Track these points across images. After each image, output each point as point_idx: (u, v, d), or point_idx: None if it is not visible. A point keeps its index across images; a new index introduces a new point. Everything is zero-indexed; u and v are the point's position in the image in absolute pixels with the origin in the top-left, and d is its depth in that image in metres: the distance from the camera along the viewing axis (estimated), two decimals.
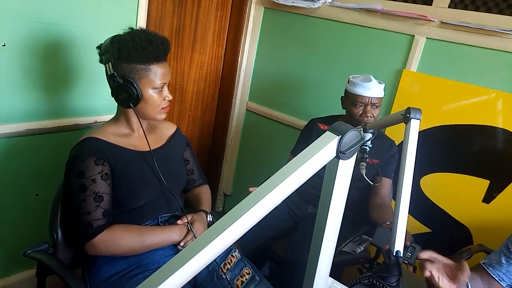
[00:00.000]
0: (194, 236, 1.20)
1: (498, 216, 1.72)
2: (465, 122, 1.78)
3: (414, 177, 1.90)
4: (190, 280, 1.23)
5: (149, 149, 1.22)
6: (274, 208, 0.63)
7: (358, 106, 1.68)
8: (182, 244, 1.21)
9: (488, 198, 1.76)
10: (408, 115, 1.10)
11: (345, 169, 0.60)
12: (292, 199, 1.90)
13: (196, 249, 0.51)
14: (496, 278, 1.10)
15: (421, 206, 1.93)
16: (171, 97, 1.23)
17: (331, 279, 0.96)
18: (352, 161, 0.61)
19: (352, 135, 0.58)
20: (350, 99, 1.71)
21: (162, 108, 1.22)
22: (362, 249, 1.68)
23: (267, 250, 1.88)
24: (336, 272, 1.18)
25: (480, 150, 1.77)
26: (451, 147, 1.84)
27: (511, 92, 1.66)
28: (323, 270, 0.69)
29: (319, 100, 2.23)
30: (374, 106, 1.67)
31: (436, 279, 1.00)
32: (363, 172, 1.41)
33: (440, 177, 1.87)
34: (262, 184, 0.55)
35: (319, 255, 0.67)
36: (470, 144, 1.79)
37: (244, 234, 1.89)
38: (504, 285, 1.10)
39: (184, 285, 1.22)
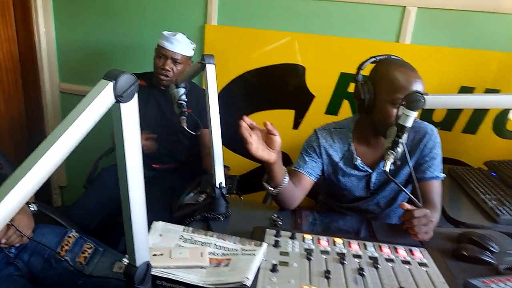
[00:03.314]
0: (17, 230, 1.11)
1: (304, 137, 2.06)
2: (270, 64, 2.02)
3: (237, 121, 2.11)
4: (25, 274, 1.15)
5: None
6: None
7: (160, 57, 1.76)
8: (3, 241, 1.11)
9: (296, 124, 2.08)
10: (203, 62, 1.20)
11: (129, 111, 0.65)
12: None
13: None
14: (305, 173, 1.35)
15: None
16: None
17: (162, 223, 1.02)
18: (133, 102, 0.65)
19: (125, 78, 0.62)
20: (156, 51, 1.78)
21: None
22: (204, 196, 1.81)
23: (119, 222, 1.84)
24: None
25: (284, 86, 2.05)
26: (262, 88, 2.07)
27: (305, 32, 1.93)
28: (139, 216, 0.74)
29: (132, 64, 2.18)
30: (176, 62, 1.75)
31: (254, 148, 1.08)
32: (185, 125, 1.50)
33: (258, 116, 2.11)
34: (48, 136, 0.56)
35: (130, 205, 0.72)
36: (276, 82, 2.05)
37: (83, 212, 1.78)
38: (313, 178, 1.35)
39: (18, 279, 1.13)
